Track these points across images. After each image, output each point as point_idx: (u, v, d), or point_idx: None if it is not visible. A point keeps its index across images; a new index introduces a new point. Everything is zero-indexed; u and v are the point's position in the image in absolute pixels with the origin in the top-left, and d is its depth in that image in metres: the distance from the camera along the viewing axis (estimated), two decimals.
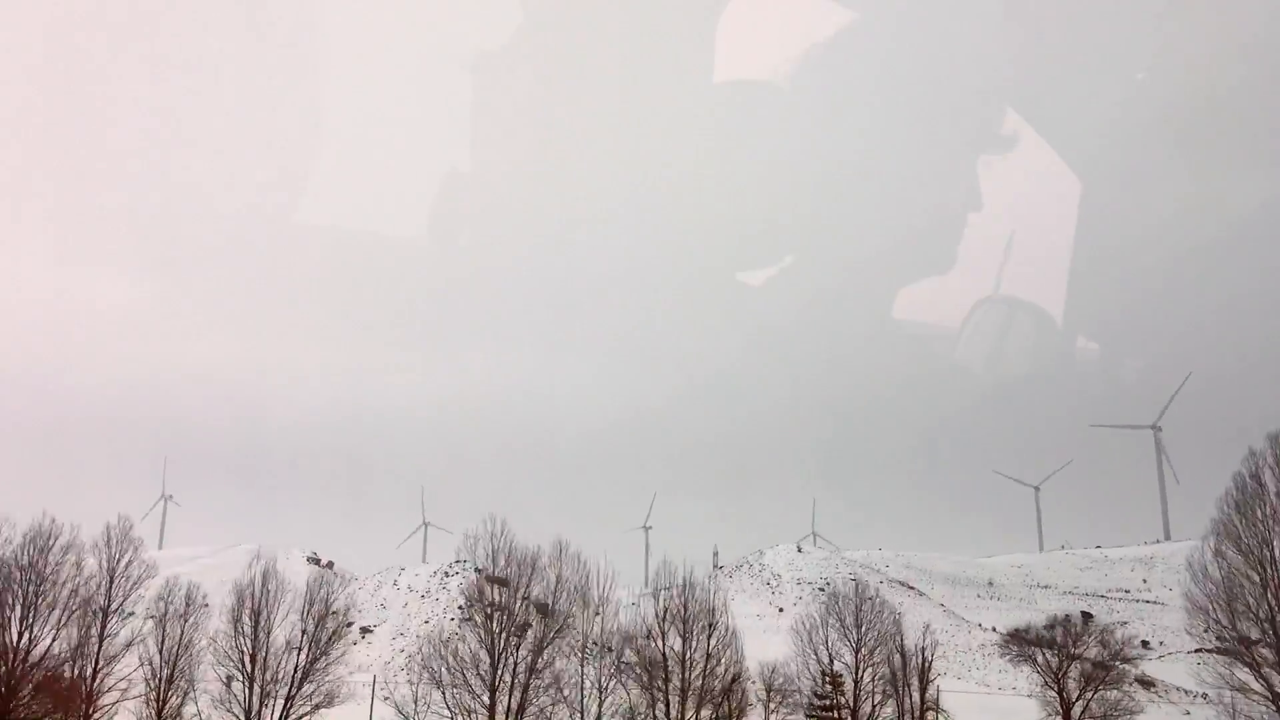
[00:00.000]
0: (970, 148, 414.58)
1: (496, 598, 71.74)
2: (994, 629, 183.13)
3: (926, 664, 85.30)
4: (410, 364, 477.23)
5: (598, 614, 73.29)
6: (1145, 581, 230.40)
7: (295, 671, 71.55)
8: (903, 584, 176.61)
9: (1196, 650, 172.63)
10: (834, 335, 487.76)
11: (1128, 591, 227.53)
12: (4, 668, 65.15)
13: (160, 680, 71.71)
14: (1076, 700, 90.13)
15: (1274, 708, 59.11)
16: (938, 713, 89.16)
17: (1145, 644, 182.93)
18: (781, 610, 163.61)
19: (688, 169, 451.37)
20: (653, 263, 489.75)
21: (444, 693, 68.00)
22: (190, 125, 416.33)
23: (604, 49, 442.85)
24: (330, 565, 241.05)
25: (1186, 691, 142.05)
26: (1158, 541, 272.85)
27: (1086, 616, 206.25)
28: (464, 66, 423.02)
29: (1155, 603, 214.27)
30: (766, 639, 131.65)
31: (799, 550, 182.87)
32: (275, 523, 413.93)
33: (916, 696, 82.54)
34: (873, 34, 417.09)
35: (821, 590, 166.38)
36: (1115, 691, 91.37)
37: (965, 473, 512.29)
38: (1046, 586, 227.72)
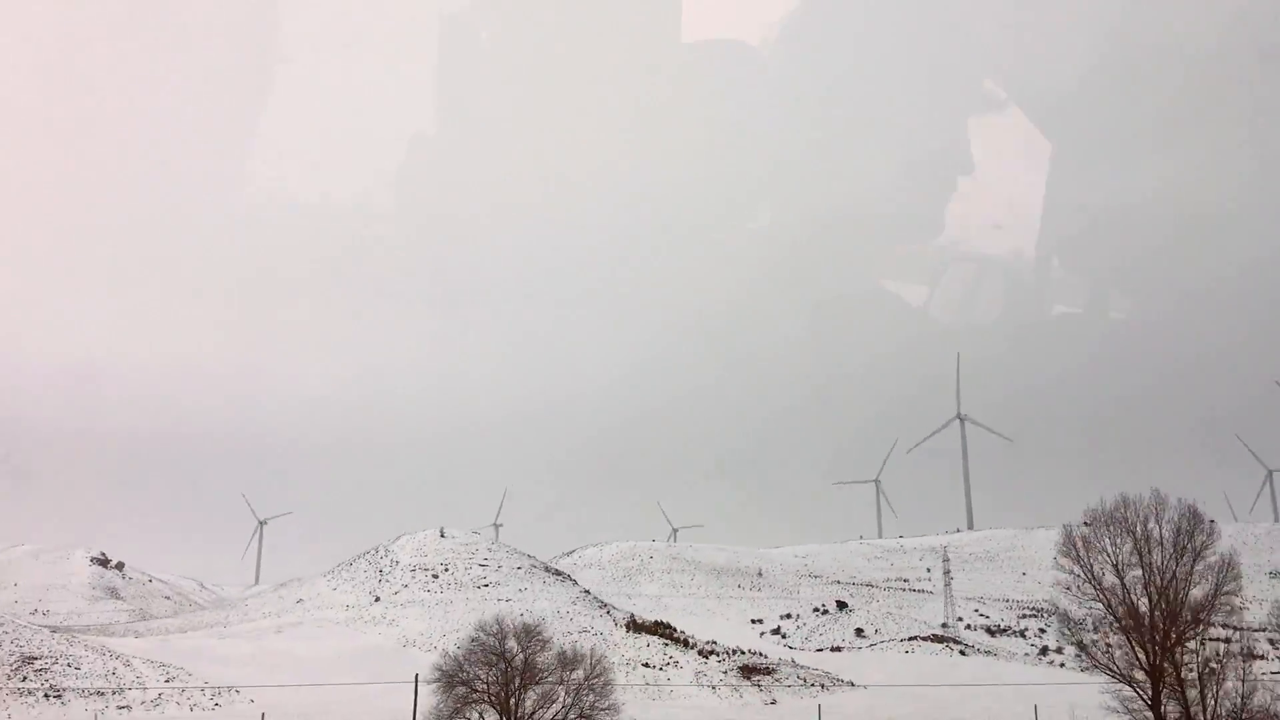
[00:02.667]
0: (957, 108, 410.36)
1: None
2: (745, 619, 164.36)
3: None
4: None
5: None
6: (929, 571, 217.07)
7: None
8: (554, 572, 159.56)
9: (910, 638, 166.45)
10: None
11: (906, 581, 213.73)
12: None
13: None
14: None
15: None
16: None
17: (859, 632, 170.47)
18: (378, 599, 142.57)
19: (657, 128, 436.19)
20: (620, 222, 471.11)
21: None
22: (143, 93, 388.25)
23: (569, 9, 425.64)
24: (120, 566, 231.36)
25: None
26: (958, 531, 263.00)
27: (841, 605, 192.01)
28: (429, 29, 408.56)
29: (924, 591, 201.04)
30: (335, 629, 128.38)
31: (441, 535, 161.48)
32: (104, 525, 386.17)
33: None
34: None
35: (436, 577, 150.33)
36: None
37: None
38: (816, 576, 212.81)
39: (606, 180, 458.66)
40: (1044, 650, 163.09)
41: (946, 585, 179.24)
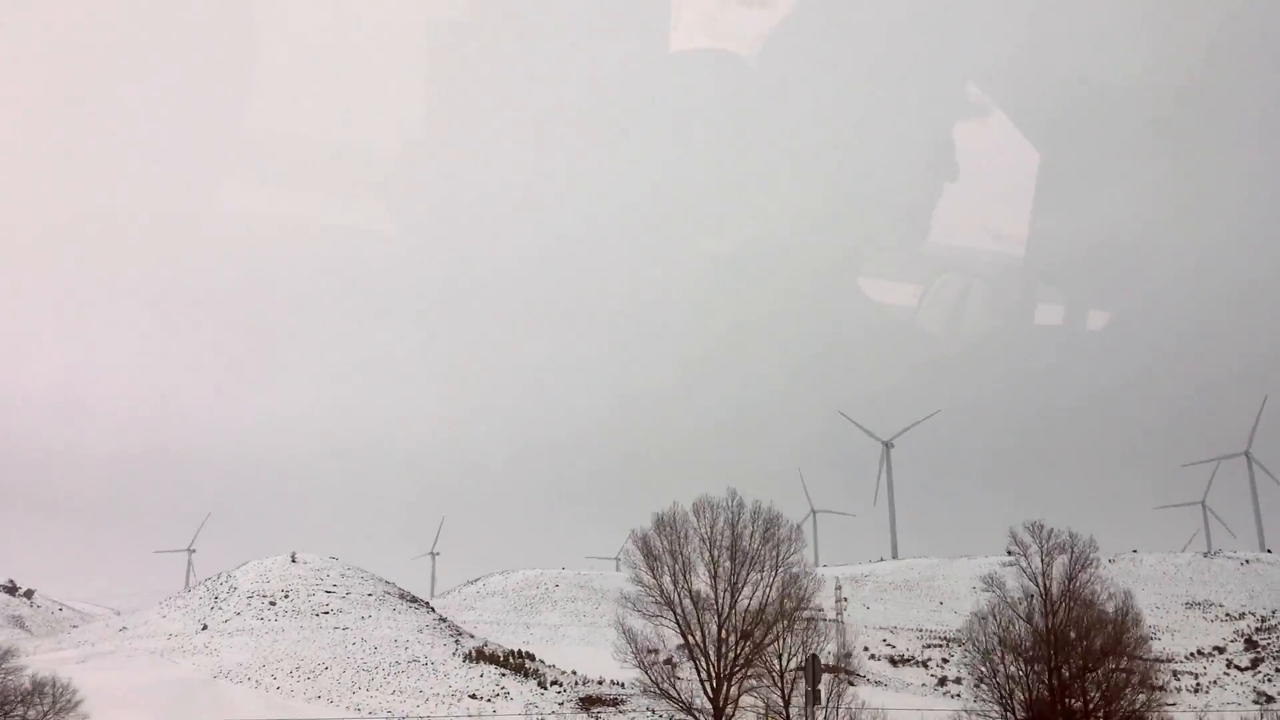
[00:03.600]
0: (943, 117, 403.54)
1: None
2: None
3: None
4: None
5: None
6: (846, 601, 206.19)
7: None
8: (411, 599, 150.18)
9: (799, 669, 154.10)
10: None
11: (822, 610, 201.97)
12: None
13: None
14: None
15: None
16: None
17: (749, 662, 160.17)
18: (205, 627, 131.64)
19: (647, 138, 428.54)
20: (611, 232, 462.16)
21: None
22: (125, 99, 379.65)
23: (559, 19, 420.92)
24: (29, 594, 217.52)
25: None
26: (880, 560, 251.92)
27: (745, 635, 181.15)
28: (421, 36, 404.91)
29: (837, 621, 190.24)
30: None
31: (292, 560, 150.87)
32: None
33: None
34: (839, 5, 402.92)
35: (273, 604, 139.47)
36: None
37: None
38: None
39: (595, 187, 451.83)
40: (942, 680, 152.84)
41: (839, 616, 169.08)
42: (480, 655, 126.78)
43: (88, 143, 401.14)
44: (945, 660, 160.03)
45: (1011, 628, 68.69)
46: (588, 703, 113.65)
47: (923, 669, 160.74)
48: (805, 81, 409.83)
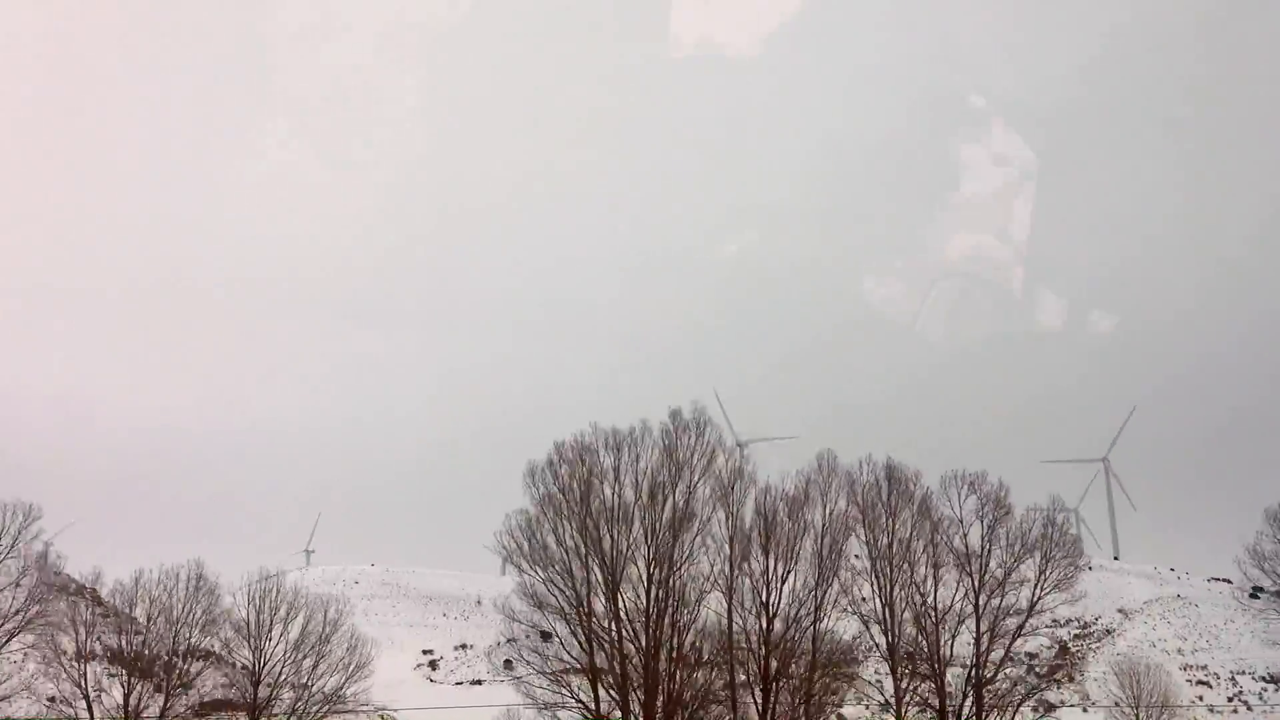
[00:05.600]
0: (945, 123, 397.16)
1: None
2: None
3: None
4: None
5: None
6: None
7: None
8: None
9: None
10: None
11: None
12: None
13: None
14: None
15: None
16: None
17: (508, 664, 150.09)
18: None
19: (646, 143, 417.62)
20: (609, 239, 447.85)
21: None
22: (124, 106, 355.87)
23: (557, 25, 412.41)
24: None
25: None
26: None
27: (545, 636, 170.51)
28: (419, 44, 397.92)
29: None
30: None
31: None
32: None
33: None
34: (845, 9, 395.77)
35: None
36: None
37: None
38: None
39: (587, 191, 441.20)
40: None
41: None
42: None
43: (86, 143, 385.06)
44: None
45: None
46: None
47: None
48: (804, 81, 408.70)
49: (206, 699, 76.21)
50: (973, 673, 65.83)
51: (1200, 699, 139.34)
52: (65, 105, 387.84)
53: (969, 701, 64.63)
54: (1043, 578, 65.55)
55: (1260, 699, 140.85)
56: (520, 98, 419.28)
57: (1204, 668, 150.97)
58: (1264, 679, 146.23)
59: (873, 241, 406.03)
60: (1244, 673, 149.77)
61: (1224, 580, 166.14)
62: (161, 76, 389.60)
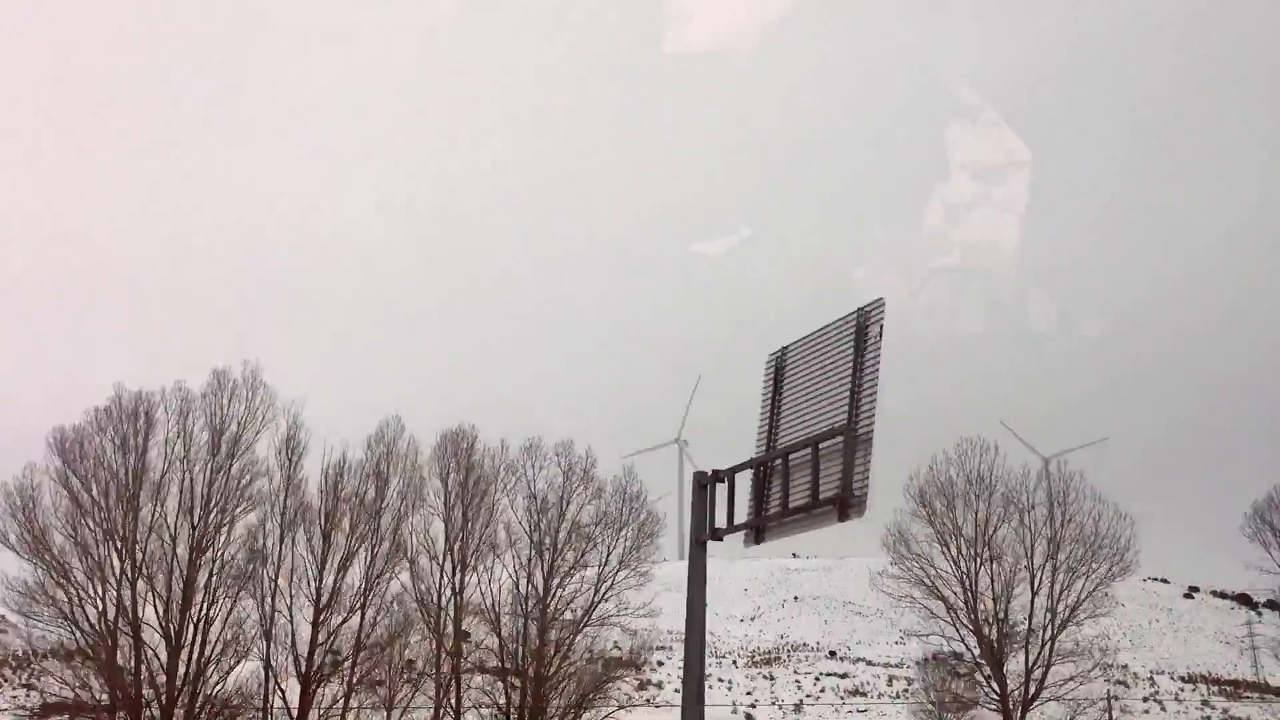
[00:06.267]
0: (935, 118, 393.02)
1: None
2: None
3: None
4: None
5: None
6: None
7: None
8: None
9: None
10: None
11: None
12: None
13: None
14: None
15: None
16: None
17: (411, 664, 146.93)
18: None
19: (638, 141, 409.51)
20: (602, 236, 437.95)
21: None
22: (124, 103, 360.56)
23: (549, 21, 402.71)
24: None
25: None
26: (665, 561, 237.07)
27: (466, 634, 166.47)
28: (410, 41, 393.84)
29: None
30: None
31: None
32: None
33: None
34: (833, 7, 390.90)
35: None
36: None
37: None
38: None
39: (583, 190, 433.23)
40: None
41: None
42: None
43: (86, 143, 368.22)
44: None
45: None
46: None
47: None
48: (803, 82, 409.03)
49: None
50: None
51: (1116, 699, 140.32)
52: (65, 105, 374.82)
53: None
54: None
55: (1176, 700, 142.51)
56: (514, 96, 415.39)
57: (1124, 667, 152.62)
58: (1182, 679, 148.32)
59: (865, 238, 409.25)
60: (1163, 672, 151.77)
61: (1161, 580, 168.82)
62: (160, 76, 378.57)
